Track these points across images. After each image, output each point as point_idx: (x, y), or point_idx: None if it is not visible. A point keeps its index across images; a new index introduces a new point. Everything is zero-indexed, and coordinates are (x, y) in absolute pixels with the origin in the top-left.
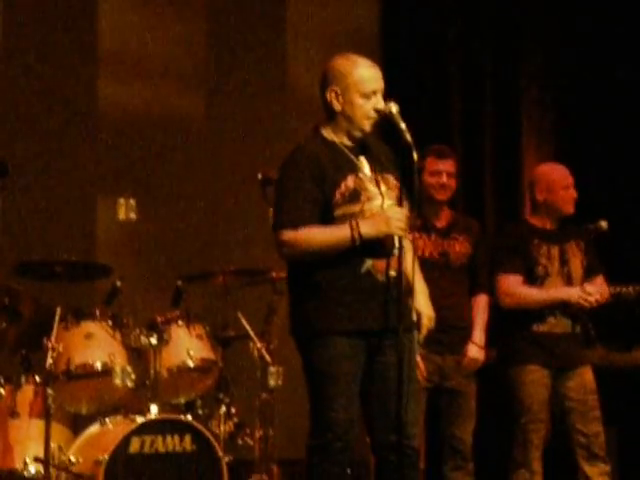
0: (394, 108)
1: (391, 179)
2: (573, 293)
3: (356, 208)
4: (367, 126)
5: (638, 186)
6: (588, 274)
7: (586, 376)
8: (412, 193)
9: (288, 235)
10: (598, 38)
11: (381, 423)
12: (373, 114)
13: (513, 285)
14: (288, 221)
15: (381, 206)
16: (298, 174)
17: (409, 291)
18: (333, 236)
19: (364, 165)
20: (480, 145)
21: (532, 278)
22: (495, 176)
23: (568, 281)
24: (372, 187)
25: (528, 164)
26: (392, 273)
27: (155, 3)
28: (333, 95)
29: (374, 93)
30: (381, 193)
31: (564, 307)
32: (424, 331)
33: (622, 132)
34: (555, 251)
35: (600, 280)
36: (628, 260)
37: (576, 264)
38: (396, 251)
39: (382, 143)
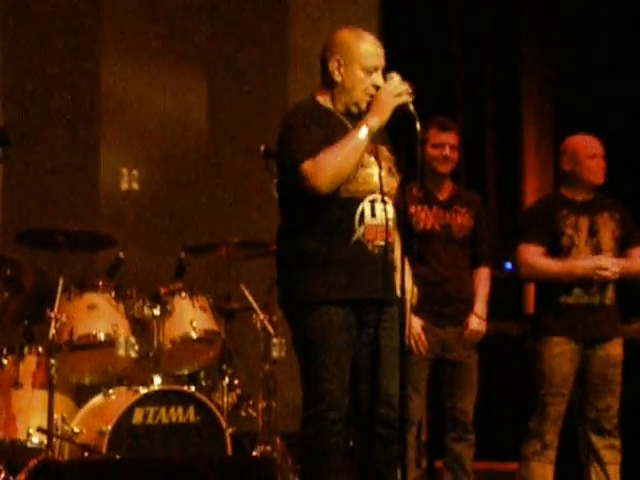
0: (396, 78)
1: (385, 150)
2: (587, 267)
3: None
4: (363, 103)
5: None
6: (625, 245)
7: (612, 349)
8: (415, 164)
9: (309, 166)
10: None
11: (368, 395)
12: (372, 90)
13: (532, 256)
14: (303, 153)
15: (379, 175)
16: (303, 118)
17: (393, 266)
18: (346, 145)
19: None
20: (481, 119)
21: (557, 249)
22: (496, 149)
23: (596, 252)
24: (366, 155)
25: (528, 137)
26: (380, 243)
27: None
28: (336, 65)
29: (375, 69)
30: (377, 163)
31: (588, 279)
32: (407, 306)
33: (623, 98)
34: (584, 222)
35: (639, 252)
36: None
37: (607, 235)
38: (384, 221)
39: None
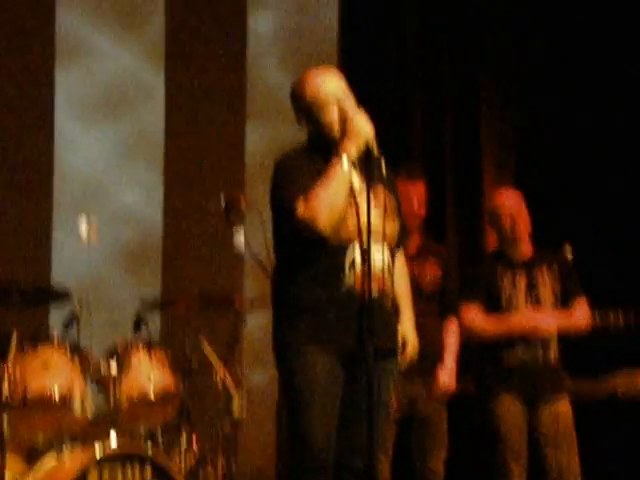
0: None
1: (381, 189)
2: (524, 324)
3: None
4: (337, 132)
5: (603, 202)
6: (566, 299)
7: (559, 406)
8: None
9: (302, 209)
10: (554, 60)
11: (346, 445)
12: (339, 115)
13: (470, 318)
14: (295, 195)
15: (363, 218)
16: (293, 162)
17: (394, 313)
18: (331, 180)
19: (352, 176)
20: (441, 171)
21: (497, 307)
22: (456, 201)
23: (537, 308)
24: (359, 198)
25: (488, 188)
26: (374, 293)
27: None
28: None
29: (334, 97)
30: (370, 205)
31: (524, 337)
32: (407, 358)
33: (582, 145)
34: (522, 278)
35: (581, 305)
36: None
37: (546, 290)
38: (380, 272)
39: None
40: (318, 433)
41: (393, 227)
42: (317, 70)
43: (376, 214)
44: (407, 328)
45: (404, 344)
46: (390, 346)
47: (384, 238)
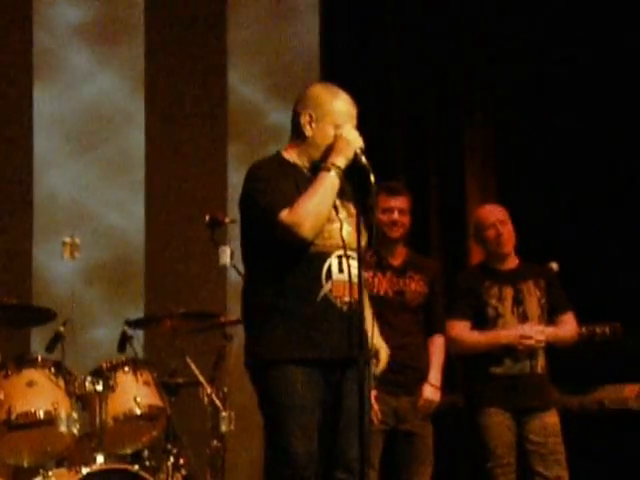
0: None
1: (351, 207)
2: (512, 336)
3: None
4: (319, 153)
5: (589, 216)
6: (553, 313)
7: (547, 418)
8: (370, 228)
9: (287, 216)
10: (536, 78)
11: (329, 457)
12: (329, 140)
13: (458, 332)
14: (277, 205)
15: (339, 230)
16: (269, 170)
17: (363, 321)
18: (319, 188)
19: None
20: (424, 188)
21: (484, 320)
22: (440, 215)
23: (523, 321)
24: (332, 210)
25: (472, 206)
26: (348, 299)
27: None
28: (307, 119)
29: (339, 121)
30: (339, 219)
31: (512, 349)
32: (382, 365)
33: (567, 162)
34: (508, 292)
35: (568, 318)
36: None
37: (532, 303)
38: (354, 278)
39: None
40: (300, 450)
41: (362, 239)
42: (338, 88)
43: (350, 225)
44: (376, 335)
45: (377, 351)
46: (361, 355)
47: (357, 249)
